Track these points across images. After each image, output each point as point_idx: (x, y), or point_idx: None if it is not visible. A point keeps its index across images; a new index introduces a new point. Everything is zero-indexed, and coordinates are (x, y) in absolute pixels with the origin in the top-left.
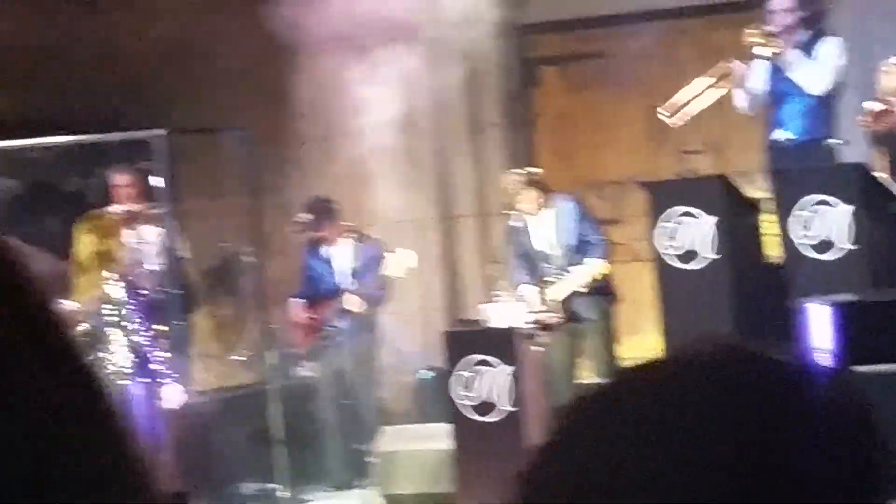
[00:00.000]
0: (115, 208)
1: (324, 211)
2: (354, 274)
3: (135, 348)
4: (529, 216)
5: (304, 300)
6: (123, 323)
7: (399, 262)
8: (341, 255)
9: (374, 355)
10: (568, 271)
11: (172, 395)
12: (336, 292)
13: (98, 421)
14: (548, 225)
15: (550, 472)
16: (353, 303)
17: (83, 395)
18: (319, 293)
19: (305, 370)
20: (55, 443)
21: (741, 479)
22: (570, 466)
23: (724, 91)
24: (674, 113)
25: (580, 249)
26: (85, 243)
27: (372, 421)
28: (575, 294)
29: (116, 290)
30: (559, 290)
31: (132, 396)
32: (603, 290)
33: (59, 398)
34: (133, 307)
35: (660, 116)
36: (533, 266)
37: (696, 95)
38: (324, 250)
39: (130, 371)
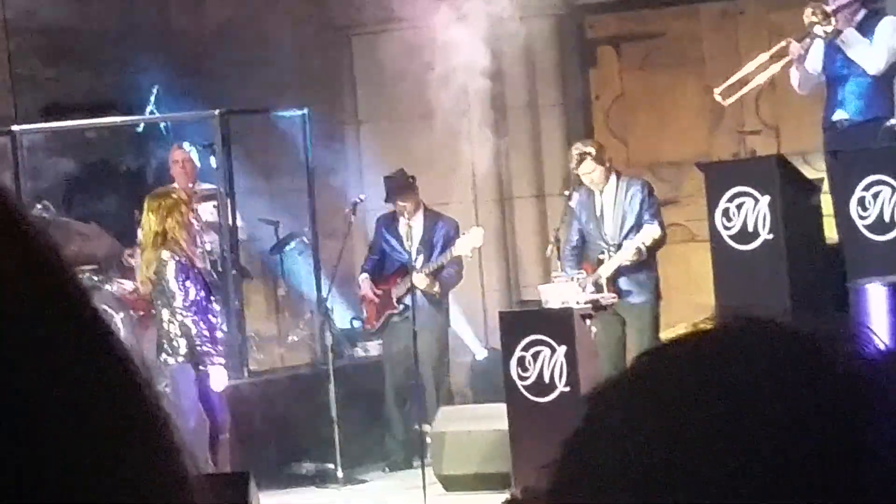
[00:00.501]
0: (176, 186)
1: (402, 184)
2: (425, 251)
3: (186, 329)
4: (593, 190)
5: (372, 274)
6: (175, 303)
7: (466, 241)
8: (415, 231)
9: (444, 335)
10: (620, 250)
11: (218, 378)
12: (406, 269)
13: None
14: (609, 202)
15: (584, 457)
16: (421, 281)
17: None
18: (390, 269)
19: (362, 350)
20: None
21: (771, 461)
22: (604, 450)
23: (778, 70)
24: (728, 96)
25: (635, 232)
26: (148, 221)
27: (436, 401)
28: (623, 271)
29: (170, 270)
30: (610, 265)
31: (186, 377)
32: (649, 271)
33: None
34: (183, 287)
35: (716, 98)
36: (587, 245)
37: (752, 77)
38: (398, 225)
39: (183, 352)
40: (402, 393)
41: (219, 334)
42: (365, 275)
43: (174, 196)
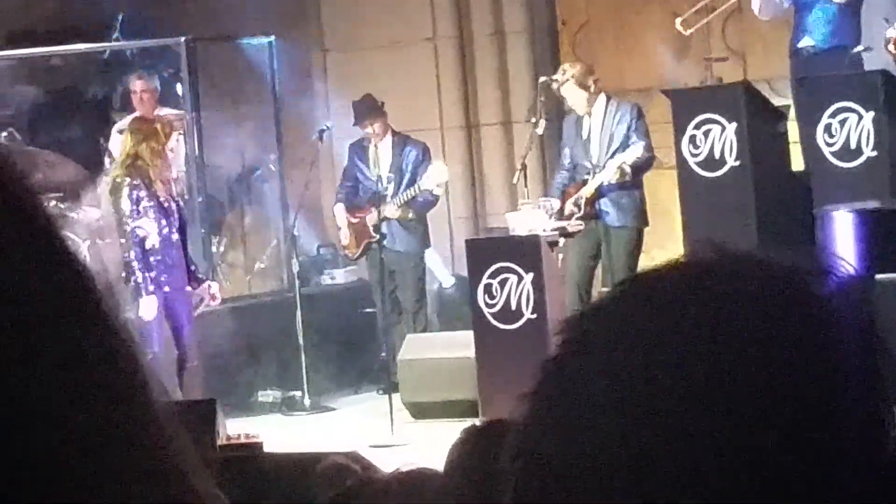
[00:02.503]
0: (147, 113)
1: (371, 108)
2: (395, 176)
3: (147, 256)
4: (581, 115)
5: (347, 202)
6: (137, 231)
7: (432, 176)
8: (383, 156)
9: (421, 260)
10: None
11: (146, 308)
12: (377, 195)
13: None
14: (597, 125)
15: (557, 388)
16: (393, 212)
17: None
18: (364, 195)
19: (329, 278)
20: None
21: (744, 389)
22: (576, 380)
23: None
24: (691, 25)
25: (621, 152)
26: (125, 142)
27: (413, 327)
28: (606, 191)
29: (124, 192)
30: (591, 185)
31: (141, 303)
32: (634, 195)
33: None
34: (134, 213)
35: (678, 27)
36: (575, 169)
37: (717, 3)
38: (368, 150)
39: (144, 279)
40: (375, 319)
41: (187, 263)
42: (339, 205)
43: (155, 124)
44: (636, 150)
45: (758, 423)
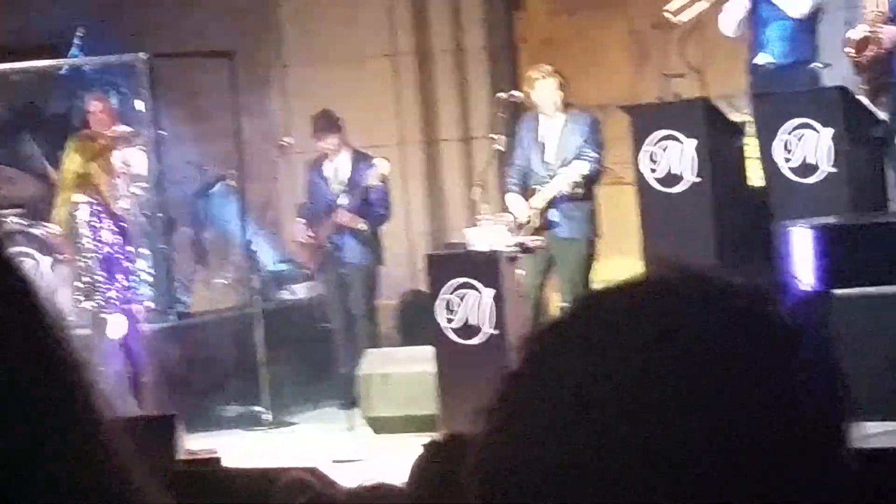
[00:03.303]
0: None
1: (329, 123)
2: (350, 190)
3: (91, 275)
4: (539, 118)
5: (307, 218)
6: (85, 247)
7: (374, 172)
8: (341, 171)
9: (373, 275)
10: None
11: (114, 327)
12: (333, 208)
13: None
14: (555, 133)
15: (516, 402)
16: (344, 218)
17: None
18: (321, 211)
19: (289, 293)
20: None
21: (701, 406)
22: (535, 395)
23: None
24: (679, 12)
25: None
26: (72, 162)
27: (366, 342)
28: (557, 205)
29: (82, 213)
30: (543, 196)
31: (109, 322)
32: (585, 208)
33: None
34: (94, 233)
35: (665, 15)
36: (525, 173)
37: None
38: (325, 166)
39: (103, 297)
40: (335, 335)
41: (146, 277)
42: (299, 220)
43: (101, 140)
44: (580, 168)
45: (713, 438)
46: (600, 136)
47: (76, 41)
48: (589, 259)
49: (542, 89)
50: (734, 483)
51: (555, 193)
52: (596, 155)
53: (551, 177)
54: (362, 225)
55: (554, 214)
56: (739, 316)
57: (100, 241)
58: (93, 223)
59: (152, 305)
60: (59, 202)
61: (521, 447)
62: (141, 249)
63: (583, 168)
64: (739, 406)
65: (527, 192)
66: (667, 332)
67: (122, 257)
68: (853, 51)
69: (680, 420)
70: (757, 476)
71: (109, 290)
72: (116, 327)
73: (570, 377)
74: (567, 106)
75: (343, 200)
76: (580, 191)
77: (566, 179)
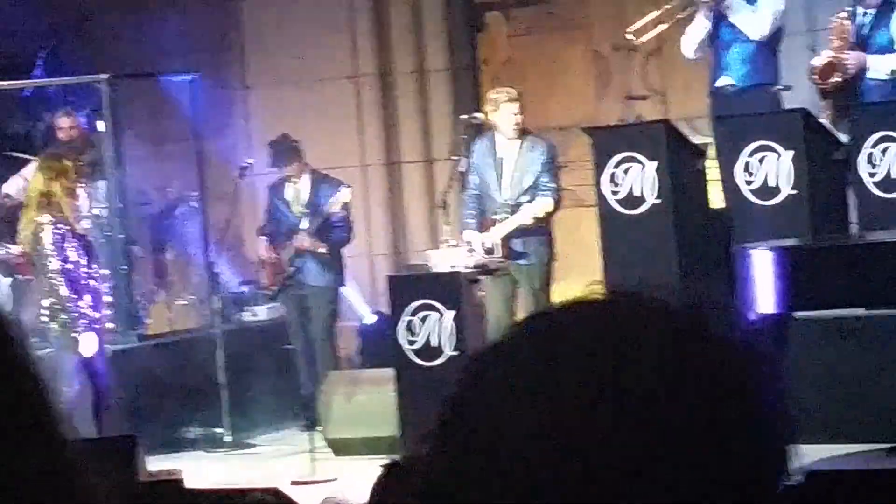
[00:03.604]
0: (73, 147)
1: (287, 149)
2: (311, 213)
3: (57, 295)
4: (496, 141)
5: (269, 237)
6: (50, 268)
7: (337, 198)
8: (302, 194)
9: (335, 297)
10: (515, 211)
11: (86, 345)
12: (293, 231)
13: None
14: (512, 157)
15: (458, 424)
16: (304, 241)
17: None
18: (282, 233)
19: (250, 314)
20: None
21: (643, 427)
22: (475, 418)
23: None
24: (640, 34)
25: (531, 192)
26: (36, 181)
27: (324, 364)
28: (515, 233)
29: (47, 234)
30: (502, 228)
31: (80, 340)
32: (541, 233)
33: None
34: (60, 253)
35: (627, 37)
36: (482, 201)
37: (663, 20)
38: (286, 189)
39: (70, 316)
40: (296, 356)
41: (107, 299)
42: (262, 238)
43: (65, 161)
44: (546, 205)
45: (655, 457)
46: (557, 166)
47: (38, 62)
48: (548, 281)
49: (505, 111)
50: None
51: (516, 226)
52: (555, 186)
53: (510, 205)
54: (322, 248)
55: (516, 244)
56: (682, 337)
57: (65, 262)
58: (57, 243)
59: (112, 326)
60: (24, 222)
61: (462, 470)
62: (102, 270)
63: (548, 206)
64: (682, 426)
65: (484, 219)
66: (608, 352)
67: (88, 277)
68: (818, 77)
69: (622, 440)
70: (701, 495)
71: (79, 309)
72: (88, 345)
73: (505, 399)
74: (524, 131)
75: (304, 224)
76: (540, 221)
77: (529, 215)
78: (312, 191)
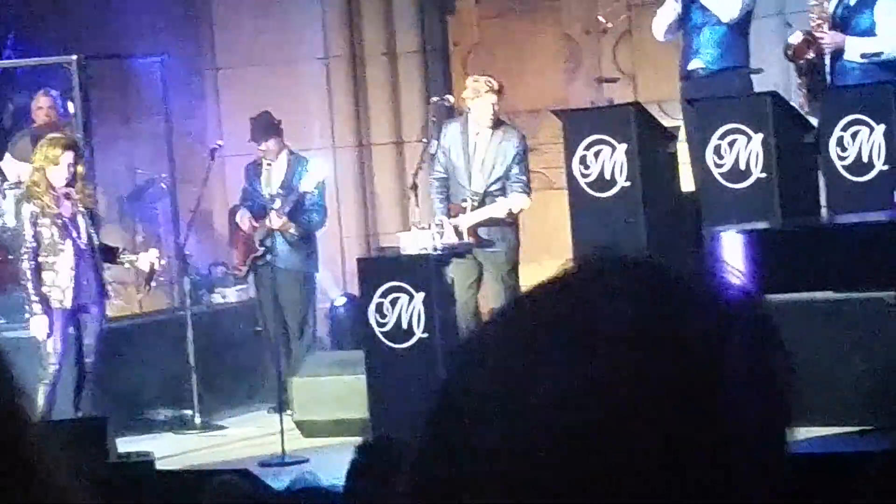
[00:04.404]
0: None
1: (266, 125)
2: (285, 193)
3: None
4: (468, 127)
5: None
6: (29, 247)
7: (310, 177)
8: (276, 174)
9: (308, 279)
10: (485, 200)
11: (36, 327)
12: (267, 211)
13: None
14: (483, 145)
15: (449, 410)
16: (276, 221)
17: None
18: (257, 213)
19: (220, 296)
20: None
21: (643, 401)
22: (467, 402)
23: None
24: (611, 17)
25: (501, 182)
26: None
27: (299, 346)
28: (485, 222)
29: (27, 212)
30: (474, 216)
31: (57, 323)
32: (508, 221)
33: None
34: (34, 229)
35: (598, 19)
36: (451, 182)
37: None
38: (262, 168)
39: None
40: (267, 337)
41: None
42: (244, 209)
43: (62, 138)
44: (522, 203)
45: (651, 435)
46: (527, 159)
47: (7, 43)
48: (515, 266)
49: (484, 101)
50: (672, 481)
51: (488, 217)
52: (526, 179)
53: (479, 194)
54: (293, 230)
55: (483, 232)
56: (671, 300)
57: (35, 240)
58: (33, 221)
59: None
60: (34, 206)
61: (453, 455)
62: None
63: (524, 203)
64: (678, 400)
65: (452, 205)
66: (595, 321)
67: (53, 257)
68: (793, 54)
69: (616, 417)
70: (690, 474)
71: (36, 289)
72: (38, 328)
73: (502, 382)
74: (498, 121)
75: (277, 204)
76: (511, 216)
77: (503, 209)
78: (288, 171)
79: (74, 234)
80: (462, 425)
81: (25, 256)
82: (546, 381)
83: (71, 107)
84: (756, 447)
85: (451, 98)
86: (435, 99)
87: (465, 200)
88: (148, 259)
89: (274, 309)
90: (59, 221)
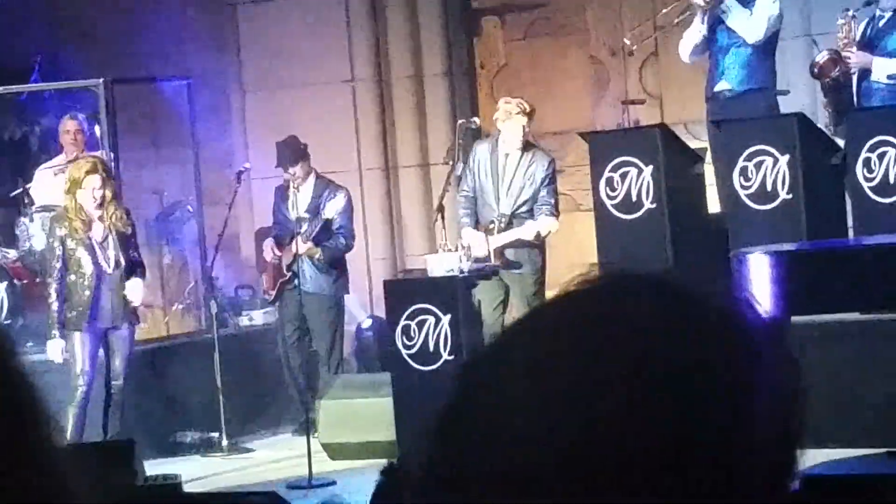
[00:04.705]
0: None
1: (294, 151)
2: (311, 218)
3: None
4: (498, 147)
5: (275, 241)
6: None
7: (332, 205)
8: (302, 198)
9: (335, 304)
10: (512, 222)
11: (52, 350)
12: (294, 235)
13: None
14: (512, 167)
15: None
16: (301, 247)
17: None
18: (284, 237)
19: (247, 319)
20: None
21: (659, 420)
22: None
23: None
24: (638, 40)
25: (528, 204)
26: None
27: (328, 370)
28: (510, 243)
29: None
30: (502, 238)
31: (85, 342)
32: (535, 245)
33: None
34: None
35: (624, 42)
36: (476, 205)
37: (660, 27)
38: (290, 192)
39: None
40: (294, 361)
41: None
42: (270, 239)
43: (87, 162)
44: (551, 226)
45: (665, 452)
46: (556, 182)
47: (35, 67)
48: (541, 288)
49: (516, 123)
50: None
51: (515, 238)
52: (553, 202)
53: (506, 215)
54: (319, 255)
55: (510, 253)
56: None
57: (63, 263)
58: (61, 244)
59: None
60: (63, 228)
61: (461, 474)
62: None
63: (553, 226)
64: (693, 419)
65: (478, 226)
66: (609, 339)
67: (79, 279)
68: (818, 72)
69: (629, 433)
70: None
71: (59, 312)
72: (53, 351)
73: (506, 401)
74: (528, 143)
75: (303, 229)
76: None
77: (532, 232)
78: (314, 195)
79: (101, 258)
80: (472, 438)
81: (52, 279)
82: (561, 396)
83: (98, 130)
84: (771, 469)
85: (477, 120)
86: (461, 121)
87: (492, 222)
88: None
89: (300, 333)
90: (88, 244)
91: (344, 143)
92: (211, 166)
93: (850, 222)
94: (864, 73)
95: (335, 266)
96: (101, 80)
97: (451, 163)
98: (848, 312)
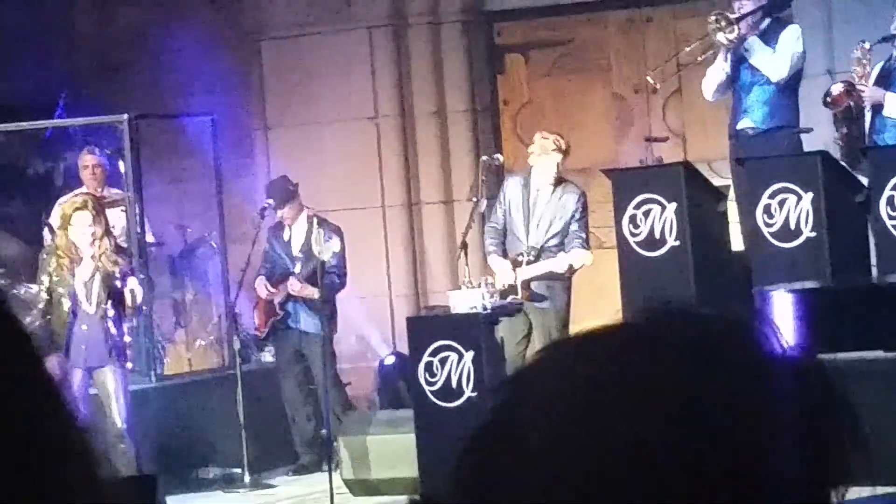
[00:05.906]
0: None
1: (283, 192)
2: (304, 257)
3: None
4: (538, 184)
5: (266, 277)
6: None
7: (327, 247)
8: (296, 238)
9: (328, 343)
10: (540, 255)
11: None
12: (287, 275)
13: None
14: (543, 200)
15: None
16: (294, 286)
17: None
18: (275, 274)
19: (269, 355)
20: None
21: (685, 458)
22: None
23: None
24: (662, 80)
25: (559, 237)
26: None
27: (334, 406)
28: (538, 276)
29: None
30: (532, 270)
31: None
32: (562, 277)
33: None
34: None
35: (647, 80)
36: (505, 235)
37: (683, 65)
38: (283, 232)
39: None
40: (298, 398)
41: (126, 339)
42: (261, 277)
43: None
44: (585, 259)
45: (691, 485)
46: (587, 215)
47: (59, 103)
48: (566, 324)
49: (550, 160)
50: None
51: (547, 271)
52: (585, 236)
53: (535, 249)
54: (314, 295)
55: (536, 286)
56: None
57: (49, 298)
58: (48, 280)
59: (131, 366)
60: (53, 263)
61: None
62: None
63: (587, 259)
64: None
65: (506, 255)
66: (635, 375)
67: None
68: (831, 102)
69: (654, 470)
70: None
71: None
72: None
73: (534, 428)
74: (560, 179)
75: (297, 268)
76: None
77: (565, 264)
78: (307, 235)
79: (83, 297)
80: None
81: (37, 311)
82: (586, 431)
83: (122, 165)
84: None
85: (500, 157)
86: (485, 158)
87: (520, 254)
88: (129, 287)
89: (297, 370)
90: (69, 284)
91: (367, 179)
92: (234, 202)
93: (873, 260)
94: (877, 107)
95: (327, 304)
96: (125, 116)
97: (474, 199)
98: (872, 350)
